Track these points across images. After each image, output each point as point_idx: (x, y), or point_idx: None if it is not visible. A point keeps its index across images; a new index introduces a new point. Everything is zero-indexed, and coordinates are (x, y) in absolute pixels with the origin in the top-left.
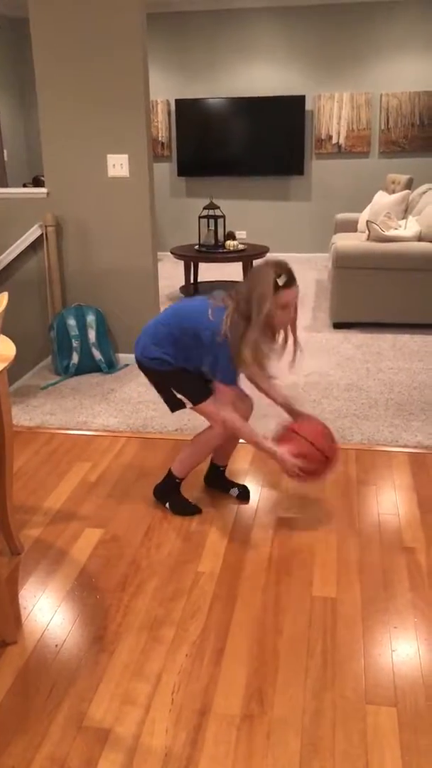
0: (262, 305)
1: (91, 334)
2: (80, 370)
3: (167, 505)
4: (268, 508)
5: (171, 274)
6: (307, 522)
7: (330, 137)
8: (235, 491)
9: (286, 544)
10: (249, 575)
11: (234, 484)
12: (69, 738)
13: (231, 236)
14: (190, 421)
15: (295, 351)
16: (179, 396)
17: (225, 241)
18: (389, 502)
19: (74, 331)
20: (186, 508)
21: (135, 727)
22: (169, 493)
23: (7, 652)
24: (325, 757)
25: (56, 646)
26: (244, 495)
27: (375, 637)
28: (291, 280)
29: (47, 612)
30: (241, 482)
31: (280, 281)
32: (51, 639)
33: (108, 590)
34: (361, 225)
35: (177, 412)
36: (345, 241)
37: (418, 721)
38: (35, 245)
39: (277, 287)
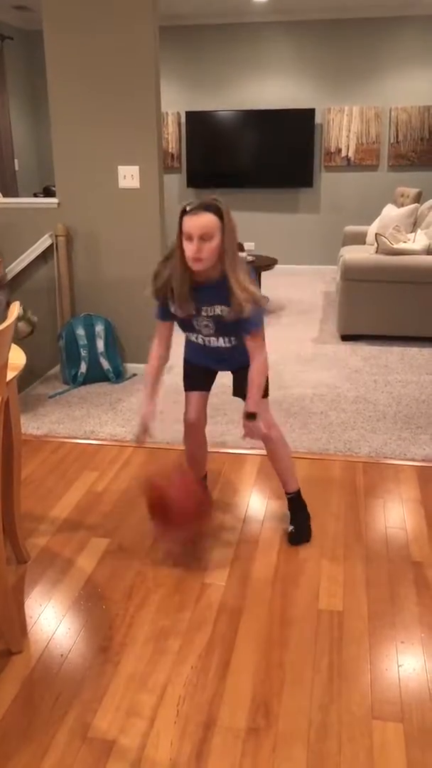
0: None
1: (100, 344)
2: (88, 380)
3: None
4: (275, 521)
5: None
6: (313, 535)
7: (339, 150)
8: None
9: (293, 556)
10: (255, 587)
11: None
12: (73, 749)
13: (240, 248)
14: None
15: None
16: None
17: None
18: (397, 515)
19: (83, 341)
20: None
21: (140, 739)
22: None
23: (12, 662)
24: None
25: (61, 656)
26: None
27: (381, 652)
28: (196, 209)
29: (53, 621)
30: (247, 495)
31: (188, 207)
32: (56, 649)
33: (114, 600)
34: (370, 238)
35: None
36: (353, 254)
37: (425, 738)
38: (45, 254)
39: (183, 213)
